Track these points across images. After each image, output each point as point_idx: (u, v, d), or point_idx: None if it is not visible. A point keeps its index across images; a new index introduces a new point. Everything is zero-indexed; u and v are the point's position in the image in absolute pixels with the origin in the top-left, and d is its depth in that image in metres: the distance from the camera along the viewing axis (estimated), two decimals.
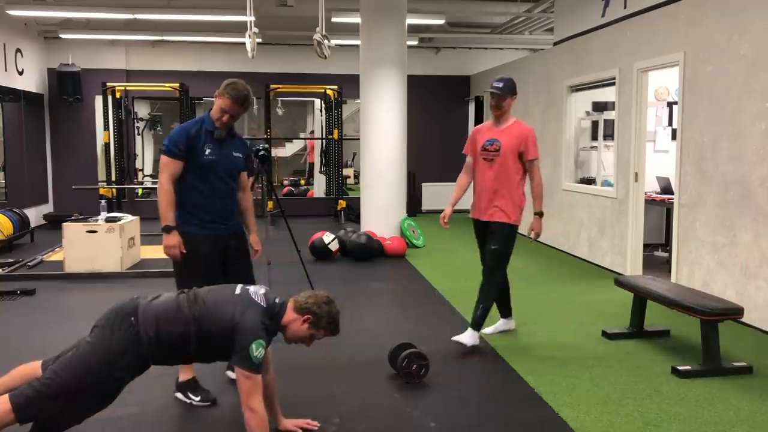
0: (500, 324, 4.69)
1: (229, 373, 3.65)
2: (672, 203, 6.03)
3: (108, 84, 10.41)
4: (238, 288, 2.82)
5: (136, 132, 11.83)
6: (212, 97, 3.45)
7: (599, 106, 8.06)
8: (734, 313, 3.92)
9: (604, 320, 4.95)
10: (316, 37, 6.25)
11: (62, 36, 10.47)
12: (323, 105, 12.12)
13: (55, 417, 2.52)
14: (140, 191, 11.57)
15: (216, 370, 3.66)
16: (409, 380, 3.68)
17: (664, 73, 6.88)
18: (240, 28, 7.78)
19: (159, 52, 11.42)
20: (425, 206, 12.01)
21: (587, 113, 8.27)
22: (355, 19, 8.59)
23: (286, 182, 14.48)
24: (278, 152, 14.80)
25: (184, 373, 3.44)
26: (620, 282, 4.75)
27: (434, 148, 11.83)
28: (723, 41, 5.12)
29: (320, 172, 12.53)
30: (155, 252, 6.73)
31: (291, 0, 8.07)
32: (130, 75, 11.24)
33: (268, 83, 10.62)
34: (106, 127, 10.53)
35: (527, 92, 8.96)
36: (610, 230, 6.88)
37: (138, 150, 12.03)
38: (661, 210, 7.11)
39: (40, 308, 5.45)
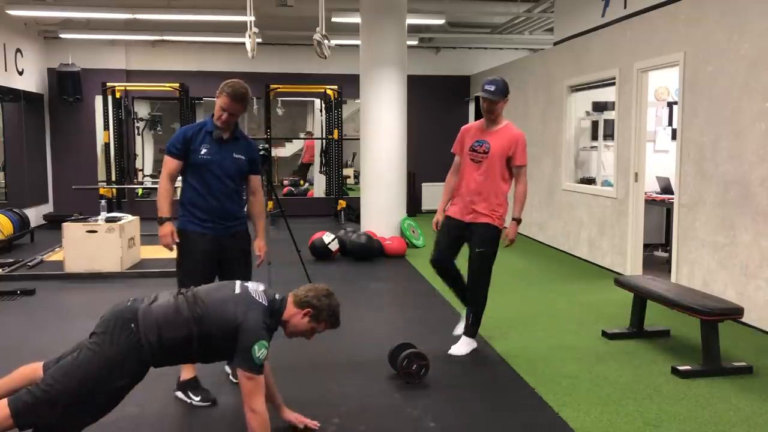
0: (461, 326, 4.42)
1: (228, 368, 3.67)
2: (672, 203, 6.03)
3: (108, 84, 10.40)
4: (238, 286, 2.80)
5: (136, 132, 11.83)
6: (212, 97, 3.52)
7: (599, 106, 8.05)
8: (734, 313, 3.92)
9: (604, 320, 4.95)
10: (316, 37, 6.25)
11: (62, 36, 10.46)
12: (323, 105, 12.12)
13: (54, 424, 2.50)
14: (140, 191, 11.56)
15: (216, 370, 3.67)
16: (409, 380, 3.67)
17: (664, 73, 6.88)
18: (240, 28, 7.78)
19: (159, 52, 11.42)
20: (425, 206, 12.01)
21: (587, 113, 8.27)
22: (355, 19, 8.59)
23: (286, 182, 14.47)
24: (278, 152, 14.83)
25: (186, 372, 3.45)
26: (620, 282, 4.75)
27: (434, 148, 11.78)
28: (723, 41, 5.12)
29: (320, 172, 12.53)
30: (155, 252, 6.73)
31: (291, 0, 8.06)
32: (130, 75, 11.23)
33: (268, 83, 10.61)
34: (106, 127, 10.52)
35: (527, 92, 8.93)
36: (610, 230, 6.88)
37: (138, 150, 12.02)
38: (661, 210, 7.11)
39: (40, 308, 5.44)
